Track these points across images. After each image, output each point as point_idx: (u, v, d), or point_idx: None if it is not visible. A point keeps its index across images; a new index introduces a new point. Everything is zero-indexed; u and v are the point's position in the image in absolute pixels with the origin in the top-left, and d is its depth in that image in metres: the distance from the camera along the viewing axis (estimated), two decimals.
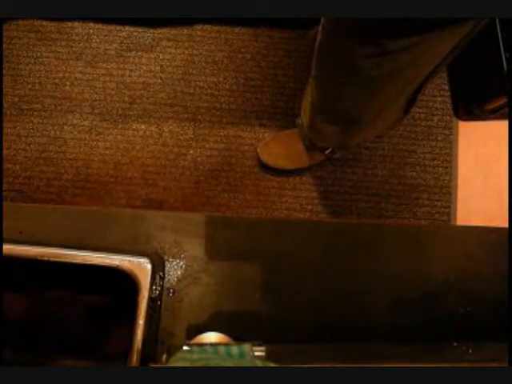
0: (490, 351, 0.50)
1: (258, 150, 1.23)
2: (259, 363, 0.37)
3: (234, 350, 0.39)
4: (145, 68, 1.31)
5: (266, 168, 1.25)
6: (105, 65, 1.31)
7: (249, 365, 0.37)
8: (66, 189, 1.24)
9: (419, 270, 0.58)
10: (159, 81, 1.30)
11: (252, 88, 1.31)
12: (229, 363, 0.36)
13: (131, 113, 1.28)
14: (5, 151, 1.24)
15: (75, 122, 1.27)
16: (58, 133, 1.26)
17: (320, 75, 0.81)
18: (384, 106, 0.81)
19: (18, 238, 0.54)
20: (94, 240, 0.55)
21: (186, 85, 1.31)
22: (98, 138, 1.26)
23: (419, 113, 1.32)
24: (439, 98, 1.33)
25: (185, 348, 0.39)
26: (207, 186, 1.25)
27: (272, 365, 0.35)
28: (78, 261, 0.53)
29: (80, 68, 1.30)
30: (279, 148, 1.22)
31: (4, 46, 1.30)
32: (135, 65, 1.31)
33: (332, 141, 1.05)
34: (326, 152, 1.16)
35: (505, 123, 1.31)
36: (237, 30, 1.34)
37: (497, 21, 1.13)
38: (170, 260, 0.55)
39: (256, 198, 1.25)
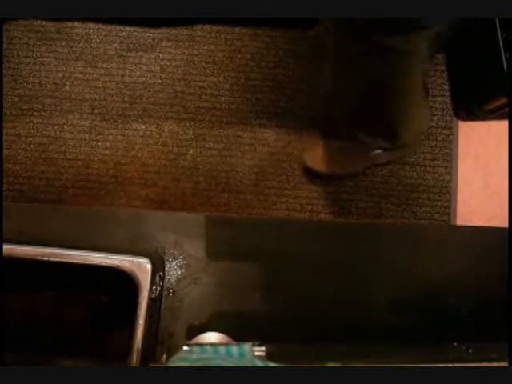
0: (490, 351, 0.50)
1: (305, 157, 1.22)
2: (259, 363, 0.37)
3: (234, 350, 0.39)
4: (145, 68, 1.31)
5: (311, 174, 1.23)
6: (105, 65, 1.31)
7: (249, 365, 0.36)
8: (66, 189, 1.23)
9: (419, 270, 0.58)
10: (159, 81, 1.30)
11: (252, 88, 1.31)
12: (229, 363, 0.36)
13: (131, 113, 1.28)
14: (5, 151, 1.24)
15: (75, 121, 1.27)
16: (58, 133, 1.26)
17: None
18: (408, 99, 0.90)
19: (18, 238, 0.54)
20: (94, 240, 0.55)
21: (186, 85, 1.30)
22: (97, 138, 1.26)
23: None
24: (439, 98, 1.33)
25: (185, 348, 0.39)
26: (207, 185, 1.25)
27: (272, 365, 0.35)
28: (78, 261, 0.53)
29: (80, 68, 1.30)
30: (326, 153, 1.22)
31: (4, 46, 1.30)
32: (135, 65, 1.31)
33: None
34: (372, 153, 1.15)
35: (505, 123, 1.30)
36: (237, 29, 1.34)
37: (497, 21, 1.13)
38: (170, 260, 0.55)
39: (256, 197, 1.25)
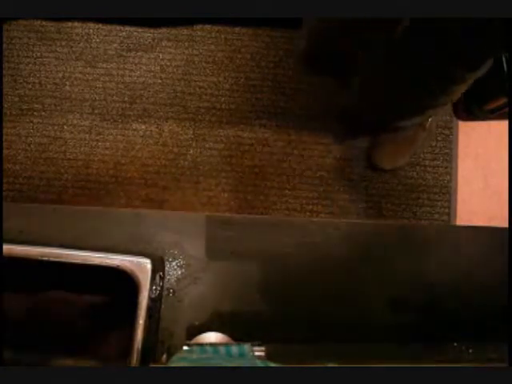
0: (490, 351, 0.50)
1: (374, 160, 1.24)
2: (259, 363, 0.37)
3: (234, 349, 0.39)
4: (145, 68, 1.31)
5: (378, 170, 1.26)
6: (105, 65, 1.31)
7: (249, 365, 0.36)
8: (66, 189, 1.23)
9: (419, 270, 0.58)
10: (159, 81, 1.30)
11: (252, 88, 1.31)
12: (229, 363, 0.36)
13: (131, 113, 1.28)
14: (5, 151, 1.24)
15: (75, 121, 1.27)
16: (58, 133, 1.26)
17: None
18: None
19: (18, 238, 0.54)
20: (94, 240, 0.55)
21: (186, 85, 1.31)
22: (97, 138, 1.26)
23: None
24: None
25: (185, 348, 0.39)
26: (207, 185, 1.25)
27: (272, 365, 0.35)
28: (78, 261, 0.53)
29: (80, 68, 1.30)
30: (390, 148, 1.23)
31: (4, 45, 1.30)
32: (135, 65, 1.31)
33: None
34: (427, 125, 1.19)
35: (505, 123, 1.31)
36: (237, 30, 1.34)
37: None
38: (170, 260, 0.55)
39: (256, 198, 1.25)
